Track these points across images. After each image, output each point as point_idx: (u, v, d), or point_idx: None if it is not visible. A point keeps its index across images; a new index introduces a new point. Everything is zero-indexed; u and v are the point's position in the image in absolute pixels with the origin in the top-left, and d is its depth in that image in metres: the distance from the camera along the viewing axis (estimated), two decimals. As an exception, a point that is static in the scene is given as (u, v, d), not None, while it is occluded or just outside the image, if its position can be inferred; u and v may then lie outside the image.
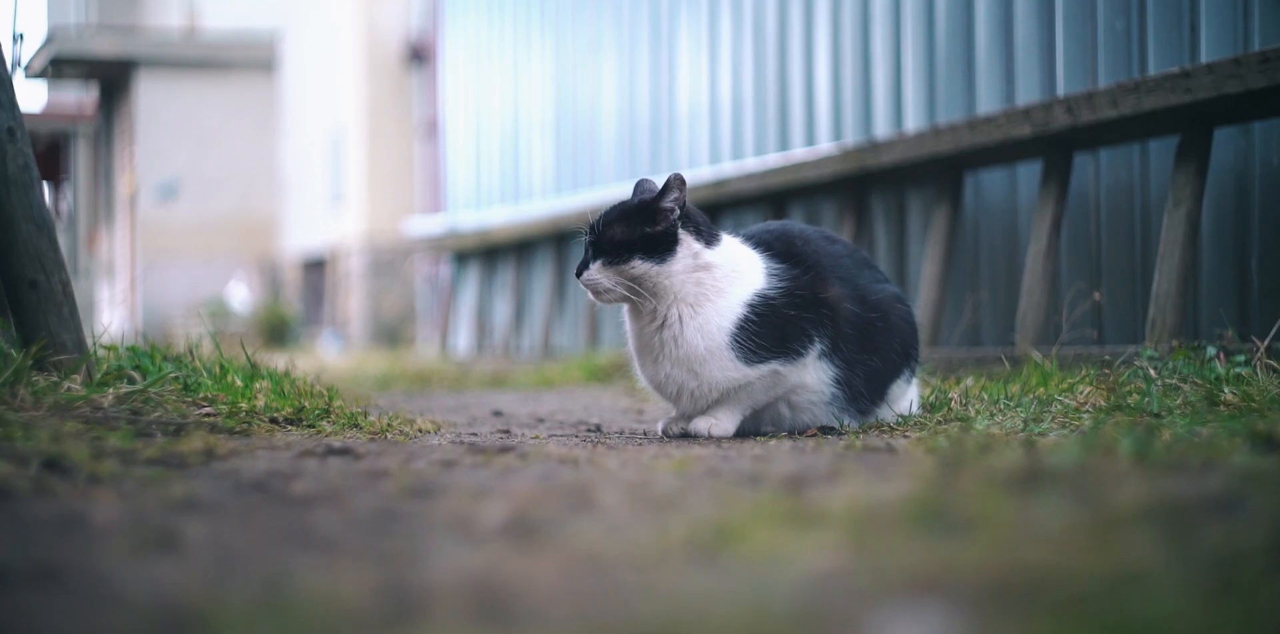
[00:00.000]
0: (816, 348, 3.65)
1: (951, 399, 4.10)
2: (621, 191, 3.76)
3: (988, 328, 6.23)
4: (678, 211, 3.61)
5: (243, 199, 25.04)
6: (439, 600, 1.46)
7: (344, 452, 3.00)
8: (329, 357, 14.58)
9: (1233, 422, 2.96)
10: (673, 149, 9.16)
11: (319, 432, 3.65)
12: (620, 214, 3.64)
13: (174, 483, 2.39)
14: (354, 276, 20.45)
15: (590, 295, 3.71)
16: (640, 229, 3.61)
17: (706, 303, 3.62)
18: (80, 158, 28.89)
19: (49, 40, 24.25)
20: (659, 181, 3.70)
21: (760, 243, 3.75)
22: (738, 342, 3.60)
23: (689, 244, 3.62)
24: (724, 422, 3.70)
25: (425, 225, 13.36)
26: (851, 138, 7.12)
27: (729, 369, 3.61)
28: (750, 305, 3.62)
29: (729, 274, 3.63)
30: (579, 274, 3.66)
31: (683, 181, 3.61)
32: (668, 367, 3.66)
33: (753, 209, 7.90)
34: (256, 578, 1.60)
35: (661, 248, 3.61)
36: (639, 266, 3.61)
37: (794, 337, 3.63)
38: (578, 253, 11.32)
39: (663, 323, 3.64)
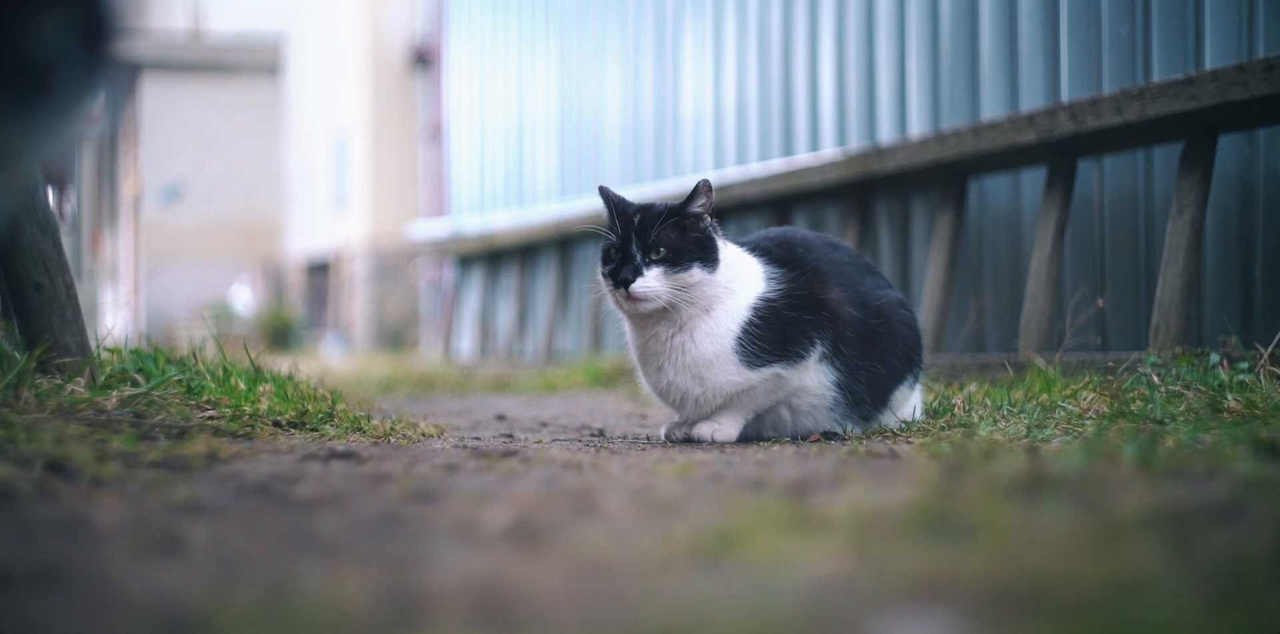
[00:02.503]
0: (817, 350, 3.65)
1: (955, 405, 4.10)
2: (626, 196, 3.74)
3: (991, 334, 6.23)
4: (708, 218, 3.60)
5: (247, 202, 25.05)
6: (442, 604, 1.46)
7: (347, 455, 3.00)
8: (332, 360, 14.59)
9: (1236, 429, 2.96)
10: (677, 153, 9.16)
11: (322, 435, 3.65)
12: (659, 218, 3.54)
13: (177, 486, 2.39)
14: (358, 280, 20.45)
15: (626, 305, 3.58)
16: (689, 234, 3.58)
17: (719, 305, 3.61)
18: (85, 160, 28.91)
19: (54, 43, 24.25)
20: (657, 188, 3.68)
21: (760, 249, 3.75)
22: (742, 345, 3.60)
23: (721, 249, 3.61)
24: (727, 427, 3.70)
25: (429, 229, 13.37)
26: (856, 143, 7.12)
27: (732, 373, 3.61)
28: (754, 309, 3.62)
29: (735, 277, 3.63)
30: (626, 283, 3.52)
31: (710, 187, 3.60)
32: (671, 373, 3.66)
33: (756, 214, 7.90)
34: (259, 581, 1.60)
35: (712, 255, 3.58)
36: (697, 274, 3.55)
37: (795, 339, 3.63)
38: (582, 256, 11.16)
39: (680, 328, 3.62)
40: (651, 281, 3.52)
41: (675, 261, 3.53)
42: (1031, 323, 5.51)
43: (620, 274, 3.54)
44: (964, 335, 6.22)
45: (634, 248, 3.53)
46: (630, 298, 3.54)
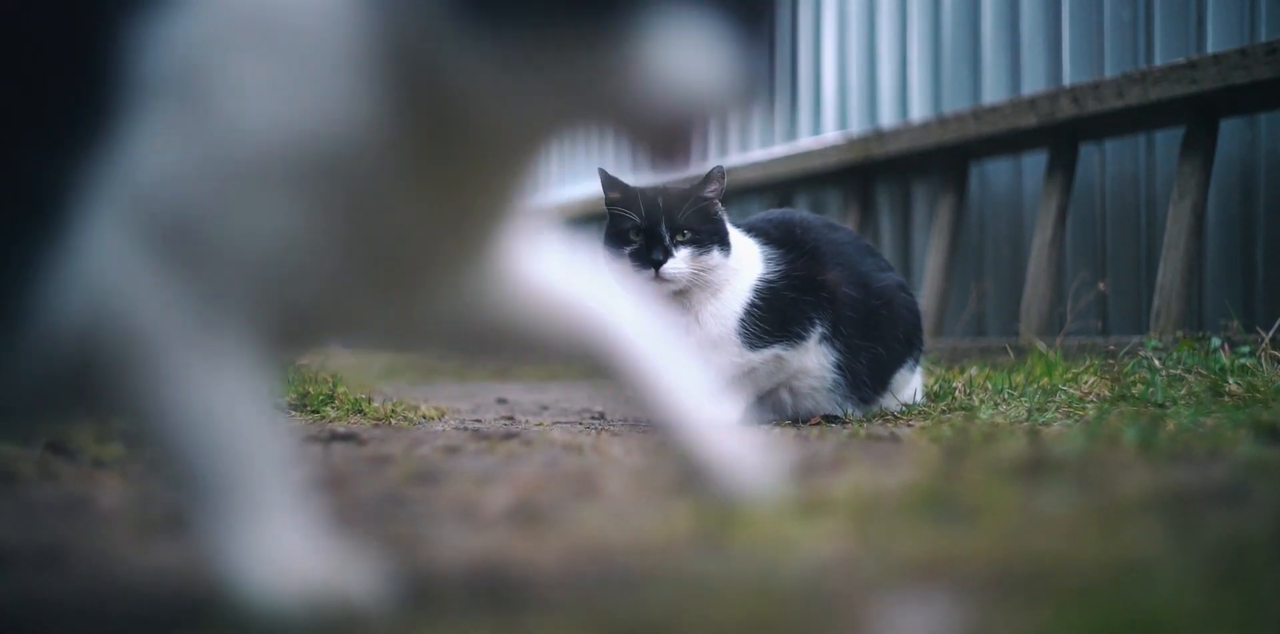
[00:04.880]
0: (817, 331, 3.66)
1: (956, 388, 4.10)
2: (626, 179, 3.75)
3: (992, 318, 6.23)
4: (718, 202, 3.64)
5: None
6: (443, 586, 1.46)
7: (348, 437, 3.00)
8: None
9: (1237, 412, 2.96)
10: (678, 137, 9.12)
11: (323, 417, 3.66)
12: (685, 201, 3.58)
13: (178, 467, 2.39)
14: (358, 264, 20.45)
15: (652, 286, 3.57)
16: (707, 218, 3.61)
17: (726, 287, 3.64)
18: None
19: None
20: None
21: (756, 230, 3.77)
22: (744, 326, 3.62)
23: (731, 234, 3.65)
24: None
25: (430, 213, 13.36)
26: (857, 127, 7.11)
27: (735, 355, 3.62)
28: (755, 290, 3.64)
29: (738, 259, 3.65)
30: (657, 264, 3.54)
31: (723, 173, 3.63)
32: (675, 357, 3.66)
33: (758, 198, 7.90)
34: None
35: (726, 238, 3.62)
36: (716, 257, 3.59)
37: (795, 320, 3.64)
38: (582, 239, 11.12)
39: (687, 311, 3.63)
40: (680, 263, 3.56)
41: (700, 243, 3.57)
42: (1032, 307, 5.51)
43: (651, 255, 3.56)
44: (965, 319, 6.22)
45: (663, 229, 3.56)
46: (660, 279, 3.56)
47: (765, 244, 3.73)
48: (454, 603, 1.39)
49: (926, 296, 6.03)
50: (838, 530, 1.68)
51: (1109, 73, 5.51)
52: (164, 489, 1.37)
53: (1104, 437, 2.47)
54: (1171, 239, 4.87)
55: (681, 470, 1.64)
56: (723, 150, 8.43)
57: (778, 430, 3.47)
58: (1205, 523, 1.67)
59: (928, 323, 4.76)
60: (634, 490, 2.14)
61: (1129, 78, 4.99)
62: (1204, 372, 3.80)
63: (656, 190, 3.64)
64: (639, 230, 3.59)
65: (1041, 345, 4.76)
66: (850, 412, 3.75)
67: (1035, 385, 3.97)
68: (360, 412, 3.84)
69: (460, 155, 1.38)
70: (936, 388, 4.14)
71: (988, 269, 6.24)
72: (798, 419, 3.76)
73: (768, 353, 3.64)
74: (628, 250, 3.59)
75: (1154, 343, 4.48)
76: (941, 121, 5.97)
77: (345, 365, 5.43)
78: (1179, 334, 4.61)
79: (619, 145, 1.33)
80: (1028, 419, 3.31)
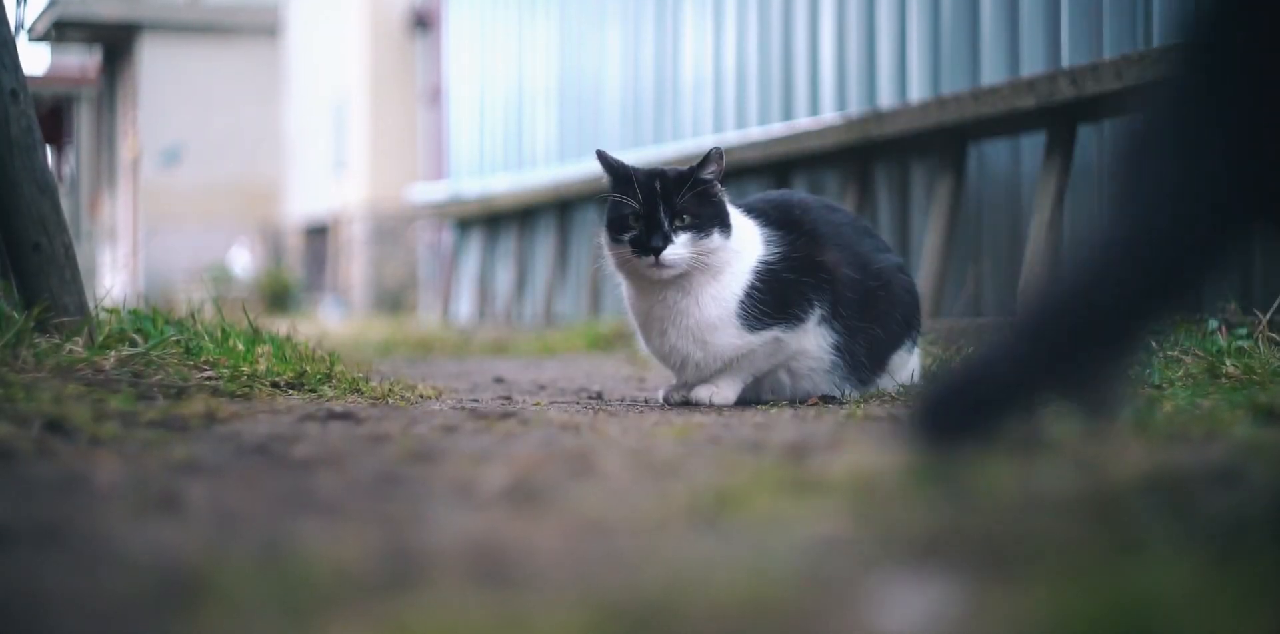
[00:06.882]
0: (816, 313, 3.66)
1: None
2: (626, 160, 3.73)
3: (990, 299, 6.22)
4: (718, 184, 3.61)
5: (246, 165, 24.98)
6: (439, 563, 1.46)
7: (345, 416, 3.00)
8: (330, 323, 14.58)
9: (1234, 394, 2.97)
10: (676, 118, 9.13)
11: (320, 396, 3.65)
12: (683, 185, 3.54)
13: (175, 445, 2.39)
14: (356, 243, 20.42)
15: (653, 272, 3.56)
16: (707, 200, 3.58)
17: (727, 269, 3.62)
18: (83, 122, 28.82)
19: (52, 3, 24.13)
20: (656, 152, 3.67)
21: (756, 211, 3.76)
22: (744, 308, 3.61)
23: (731, 215, 3.63)
24: (725, 390, 3.70)
25: (428, 192, 13.34)
26: (856, 107, 7.10)
27: (734, 337, 3.62)
28: (755, 272, 3.63)
29: (738, 240, 3.63)
30: (656, 251, 3.51)
31: (722, 155, 3.60)
32: (674, 337, 3.66)
33: (756, 178, 7.89)
34: (257, 539, 1.60)
35: (726, 220, 3.59)
36: (716, 240, 3.56)
37: (794, 302, 3.63)
38: (581, 220, 11.14)
39: (687, 293, 3.62)
40: (680, 249, 3.53)
41: (699, 228, 3.55)
42: (1030, 288, 5.50)
43: (650, 242, 3.53)
44: (962, 300, 6.22)
45: (661, 215, 3.53)
46: (659, 265, 3.54)
47: (764, 225, 3.71)
48: (451, 579, 1.39)
49: (924, 277, 6.03)
50: (835, 509, 1.69)
51: (1108, 55, 5.49)
52: None
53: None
54: (1170, 221, 4.86)
55: None
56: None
57: (775, 411, 3.48)
58: (1202, 503, 1.68)
59: (925, 304, 4.76)
60: (631, 470, 2.14)
61: (1128, 59, 4.98)
62: (1201, 353, 3.80)
63: (654, 174, 3.62)
64: (638, 216, 3.56)
65: (1039, 327, 4.75)
66: (848, 393, 3.76)
67: (1032, 366, 3.96)
68: (358, 391, 3.84)
69: None
70: (934, 369, 4.14)
71: (986, 250, 6.23)
72: (795, 400, 3.76)
73: (767, 335, 3.63)
74: (627, 237, 3.57)
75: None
76: (940, 102, 5.96)
77: (341, 344, 5.42)
78: (1176, 316, 4.61)
79: None
80: (1025, 400, 3.30)
